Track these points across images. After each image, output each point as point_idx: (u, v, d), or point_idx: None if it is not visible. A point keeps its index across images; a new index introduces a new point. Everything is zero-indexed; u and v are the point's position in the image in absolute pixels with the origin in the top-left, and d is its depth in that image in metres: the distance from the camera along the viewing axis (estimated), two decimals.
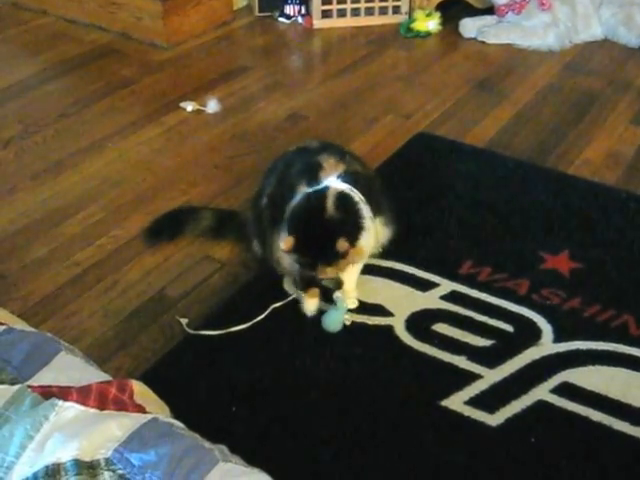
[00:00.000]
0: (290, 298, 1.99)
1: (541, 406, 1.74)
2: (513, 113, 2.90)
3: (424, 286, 2.07)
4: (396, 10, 3.58)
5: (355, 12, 3.58)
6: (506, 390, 1.78)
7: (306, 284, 1.96)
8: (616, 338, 1.91)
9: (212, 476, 1.02)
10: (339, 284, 2.00)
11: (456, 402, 1.75)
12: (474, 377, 1.81)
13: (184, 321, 1.94)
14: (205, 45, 3.43)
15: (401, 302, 2.02)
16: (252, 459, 1.18)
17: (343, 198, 1.84)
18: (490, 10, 3.52)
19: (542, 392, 1.77)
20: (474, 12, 3.55)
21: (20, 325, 1.37)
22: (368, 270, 2.08)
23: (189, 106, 2.93)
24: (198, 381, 1.79)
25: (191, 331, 1.91)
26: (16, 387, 1.14)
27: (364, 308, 2.00)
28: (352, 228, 1.83)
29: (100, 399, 1.14)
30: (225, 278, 2.11)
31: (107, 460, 1.03)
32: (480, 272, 2.11)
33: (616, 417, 1.71)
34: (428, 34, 3.48)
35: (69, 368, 1.23)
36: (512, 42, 3.39)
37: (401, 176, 2.51)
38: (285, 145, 2.67)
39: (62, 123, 2.85)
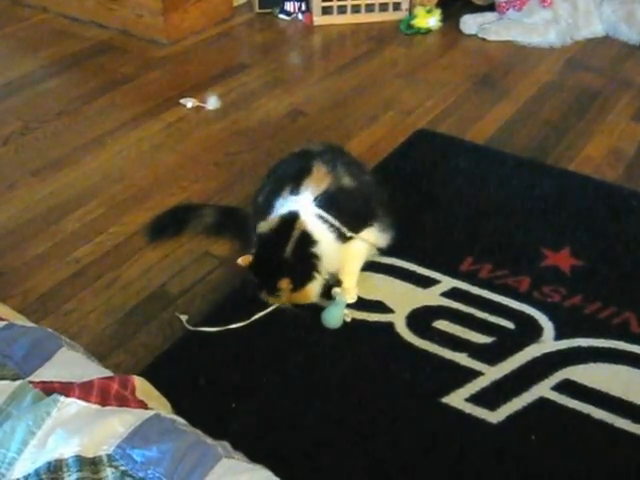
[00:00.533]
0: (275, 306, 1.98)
1: (542, 403, 1.74)
2: (514, 110, 2.90)
3: (425, 283, 2.07)
4: (396, 7, 3.57)
5: (355, 9, 3.57)
6: (507, 387, 1.78)
7: None
8: (617, 335, 1.91)
9: (215, 472, 1.02)
10: (338, 282, 2.00)
11: (457, 399, 1.75)
12: (475, 374, 1.81)
13: (184, 318, 1.94)
14: (205, 42, 3.42)
15: (402, 299, 2.02)
16: (252, 455, 1.18)
17: (305, 241, 1.87)
18: (491, 7, 3.51)
19: (543, 389, 1.77)
20: (475, 9, 3.54)
21: (21, 321, 1.37)
22: (368, 266, 2.08)
23: (189, 103, 2.92)
24: (198, 378, 1.79)
25: (191, 328, 1.91)
26: (17, 383, 1.14)
27: (364, 305, 2.00)
28: (301, 274, 1.88)
29: (102, 395, 1.13)
30: (225, 275, 2.11)
31: (109, 456, 1.03)
32: (481, 269, 2.11)
33: (617, 415, 1.71)
34: (428, 31, 3.47)
35: (71, 364, 1.22)
36: (513, 39, 3.38)
37: (401, 173, 2.51)
38: (285, 142, 2.69)
39: (62, 120, 2.85)
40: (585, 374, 1.81)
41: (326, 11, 3.55)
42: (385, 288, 2.05)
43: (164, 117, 2.86)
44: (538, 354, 1.86)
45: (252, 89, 3.06)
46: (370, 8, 3.57)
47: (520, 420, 1.70)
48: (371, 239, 2.01)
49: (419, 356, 1.86)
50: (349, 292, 1.99)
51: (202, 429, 1.18)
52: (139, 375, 1.32)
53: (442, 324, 1.95)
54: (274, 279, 1.86)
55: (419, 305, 2.01)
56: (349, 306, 1.97)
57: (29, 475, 1.02)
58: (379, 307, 2.00)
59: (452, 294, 2.04)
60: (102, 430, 1.05)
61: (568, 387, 1.78)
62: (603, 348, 1.88)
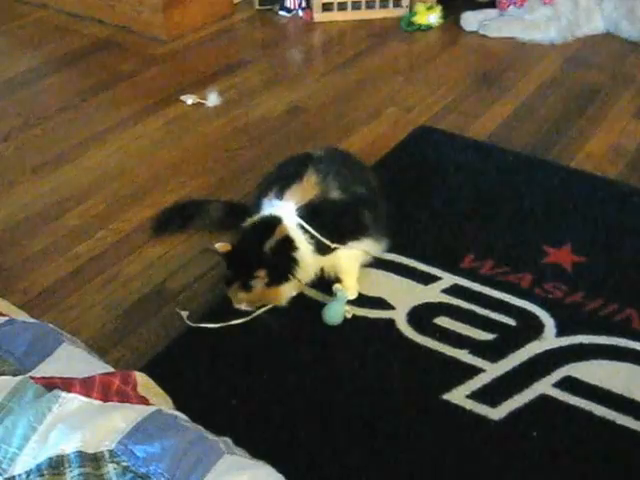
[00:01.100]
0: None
1: (543, 400, 1.74)
2: (515, 107, 2.89)
3: (426, 279, 2.07)
4: (397, 3, 3.56)
5: (356, 5, 3.56)
6: (508, 384, 1.77)
7: None
8: (619, 332, 1.91)
9: (217, 468, 1.01)
10: (338, 278, 2.00)
11: (458, 396, 1.74)
12: (476, 371, 1.80)
13: (185, 314, 1.93)
14: (205, 38, 3.42)
15: (403, 295, 2.02)
16: (254, 452, 1.17)
17: (286, 244, 1.86)
18: (492, 3, 3.50)
19: (545, 386, 1.77)
20: (476, 5, 3.53)
21: (22, 316, 1.37)
22: (369, 263, 2.07)
23: (189, 99, 2.92)
24: (198, 374, 1.79)
25: (192, 324, 1.91)
26: (18, 378, 1.13)
27: (365, 301, 2.00)
28: (278, 272, 1.86)
29: (103, 391, 1.13)
30: (226, 271, 2.10)
31: (111, 452, 1.02)
32: (482, 266, 2.10)
33: (619, 412, 1.70)
34: (429, 27, 3.47)
35: (72, 359, 1.22)
36: (514, 36, 3.38)
37: (402, 169, 2.50)
38: (285, 138, 2.69)
39: (62, 116, 2.85)
40: (587, 371, 1.81)
41: (326, 8, 3.54)
42: (386, 285, 2.05)
43: (164, 114, 2.85)
44: (539, 351, 1.86)
45: (252, 86, 3.06)
46: (370, 5, 3.56)
47: (521, 417, 1.70)
48: (360, 249, 1.99)
49: (420, 353, 1.85)
50: (350, 288, 1.99)
51: (203, 425, 1.18)
52: (140, 371, 1.31)
53: (443, 321, 1.94)
54: (251, 268, 1.84)
55: (420, 302, 2.00)
56: (350, 303, 1.97)
57: (31, 471, 1.02)
58: (380, 304, 1.99)
59: (453, 291, 2.03)
60: (104, 426, 1.04)
61: (570, 384, 1.77)
62: (605, 345, 1.88)
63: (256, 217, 1.92)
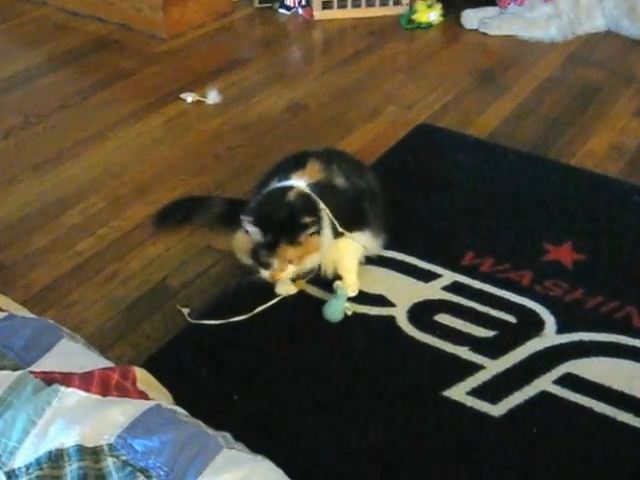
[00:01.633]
0: (276, 300, 1.97)
1: (544, 397, 1.73)
2: (515, 105, 2.89)
3: (426, 277, 2.06)
4: (397, 1, 3.56)
5: (356, 3, 3.56)
6: (509, 381, 1.77)
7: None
8: (619, 330, 1.90)
9: (216, 462, 1.02)
10: (339, 276, 1.99)
11: (458, 392, 1.74)
12: (477, 367, 1.80)
13: (185, 311, 1.93)
14: (205, 36, 3.42)
15: (403, 293, 2.01)
16: (253, 447, 1.17)
17: (306, 196, 1.85)
18: (492, 1, 3.50)
19: (545, 383, 1.77)
20: (476, 3, 3.52)
21: (21, 312, 1.37)
22: (370, 260, 2.08)
23: (189, 97, 2.91)
24: (199, 370, 1.79)
25: (193, 321, 1.90)
26: (18, 373, 1.14)
27: (366, 298, 1.99)
28: (317, 216, 1.83)
29: (103, 385, 1.13)
30: (226, 268, 2.10)
31: (110, 446, 1.03)
32: (482, 263, 2.10)
33: (620, 408, 1.70)
34: (429, 25, 3.47)
35: (71, 354, 1.22)
36: (514, 33, 3.38)
37: (402, 167, 2.50)
38: (285, 136, 2.68)
39: (62, 114, 2.84)
40: (587, 368, 1.80)
41: (326, 5, 3.54)
42: (386, 282, 2.05)
43: (164, 111, 2.85)
44: (540, 348, 1.86)
45: (252, 83, 3.06)
46: (370, 2, 3.56)
47: (522, 413, 1.69)
48: (362, 242, 1.99)
49: (420, 350, 1.85)
50: (350, 286, 1.99)
51: (203, 421, 1.18)
52: (141, 367, 1.31)
53: (443, 318, 1.94)
54: (297, 218, 1.79)
55: (420, 299, 2.00)
56: (350, 300, 1.96)
57: (30, 464, 1.02)
58: (380, 301, 1.99)
59: (453, 288, 2.03)
60: (103, 420, 1.05)
61: (570, 381, 1.77)
62: (605, 342, 1.88)
63: (267, 190, 1.89)
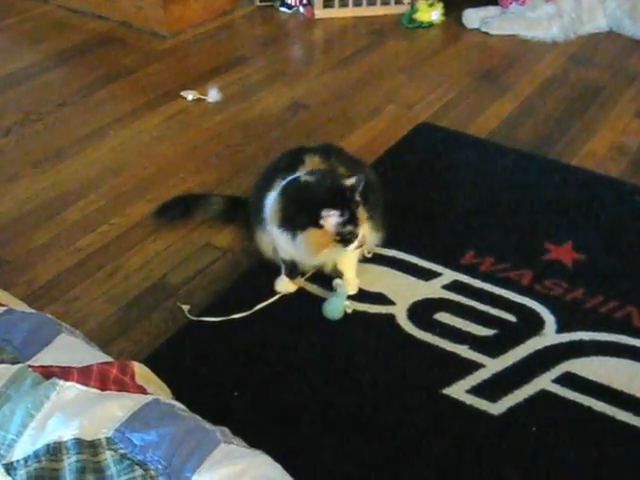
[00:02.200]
0: (276, 297, 1.97)
1: (543, 396, 1.73)
2: (516, 104, 2.89)
3: (426, 275, 2.06)
4: (398, 0, 3.56)
5: (357, 2, 3.56)
6: (508, 379, 1.77)
7: (291, 271, 1.99)
8: (619, 329, 1.90)
9: (214, 457, 1.02)
10: (339, 273, 1.99)
11: (458, 390, 1.74)
12: (476, 366, 1.80)
13: (186, 308, 1.94)
14: (206, 34, 3.42)
15: (403, 291, 2.01)
16: (253, 442, 1.17)
17: (328, 172, 1.85)
18: (494, 1, 3.50)
19: (545, 382, 1.77)
20: (477, 3, 3.53)
21: (21, 307, 1.37)
22: (370, 259, 2.07)
23: (190, 95, 2.92)
24: (199, 367, 1.79)
25: (193, 317, 1.91)
26: (17, 366, 1.14)
27: (366, 296, 1.99)
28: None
29: (101, 379, 1.13)
30: (227, 265, 2.10)
31: (108, 439, 1.03)
32: (483, 262, 2.10)
33: (619, 407, 1.70)
34: (431, 24, 3.47)
35: (70, 349, 1.22)
36: (516, 33, 3.38)
37: (403, 166, 2.50)
38: (286, 134, 2.68)
39: (63, 111, 2.85)
40: (586, 367, 1.80)
41: (327, 4, 3.54)
42: (386, 280, 2.05)
43: (165, 109, 2.85)
44: (539, 347, 1.86)
45: (253, 82, 3.06)
46: (372, 1, 3.57)
47: (521, 412, 1.69)
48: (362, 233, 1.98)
49: (420, 348, 1.85)
50: (350, 283, 1.99)
51: (203, 417, 1.18)
52: (142, 363, 1.31)
53: (443, 316, 1.94)
54: (346, 187, 1.78)
55: (420, 297, 2.00)
56: (350, 298, 1.96)
57: (28, 457, 1.02)
58: (380, 299, 1.99)
59: (453, 287, 2.03)
60: (101, 414, 1.05)
61: (569, 380, 1.77)
62: (605, 341, 1.88)
63: (278, 189, 1.85)
